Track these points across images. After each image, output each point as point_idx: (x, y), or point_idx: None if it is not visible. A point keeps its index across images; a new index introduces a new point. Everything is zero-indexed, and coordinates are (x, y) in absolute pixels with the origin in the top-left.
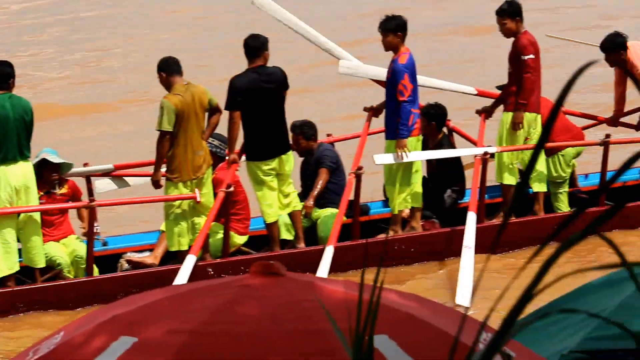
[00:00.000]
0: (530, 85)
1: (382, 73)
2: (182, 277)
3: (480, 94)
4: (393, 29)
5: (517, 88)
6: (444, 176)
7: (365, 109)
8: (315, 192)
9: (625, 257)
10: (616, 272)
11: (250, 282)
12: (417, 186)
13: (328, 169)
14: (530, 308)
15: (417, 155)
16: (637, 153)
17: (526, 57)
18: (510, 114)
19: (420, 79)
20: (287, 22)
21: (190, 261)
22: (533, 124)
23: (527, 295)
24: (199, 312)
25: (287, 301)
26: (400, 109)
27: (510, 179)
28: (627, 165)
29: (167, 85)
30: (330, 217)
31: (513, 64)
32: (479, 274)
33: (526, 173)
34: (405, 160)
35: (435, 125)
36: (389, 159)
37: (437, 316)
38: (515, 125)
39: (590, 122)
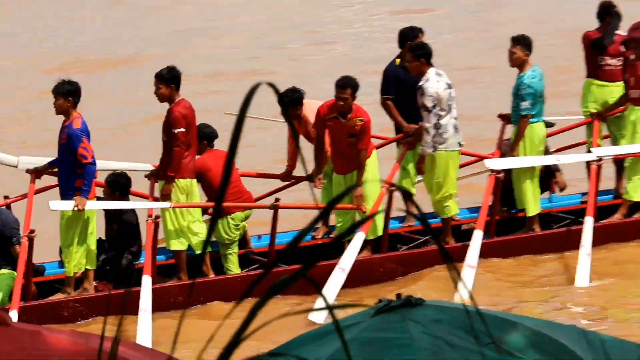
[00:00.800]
0: (178, 158)
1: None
2: None
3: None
4: (64, 94)
5: (168, 158)
6: (122, 238)
7: (28, 171)
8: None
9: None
10: (331, 324)
11: None
12: (92, 247)
13: (20, 245)
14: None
15: (94, 205)
16: (314, 220)
17: (176, 131)
18: (163, 183)
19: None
20: None
21: None
22: (189, 189)
23: (236, 340)
24: None
25: (14, 349)
26: (85, 171)
27: (178, 244)
28: (306, 232)
29: None
30: (4, 278)
31: (165, 134)
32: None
33: (207, 237)
34: (82, 209)
35: (119, 195)
36: (64, 205)
37: None
38: (164, 197)
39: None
